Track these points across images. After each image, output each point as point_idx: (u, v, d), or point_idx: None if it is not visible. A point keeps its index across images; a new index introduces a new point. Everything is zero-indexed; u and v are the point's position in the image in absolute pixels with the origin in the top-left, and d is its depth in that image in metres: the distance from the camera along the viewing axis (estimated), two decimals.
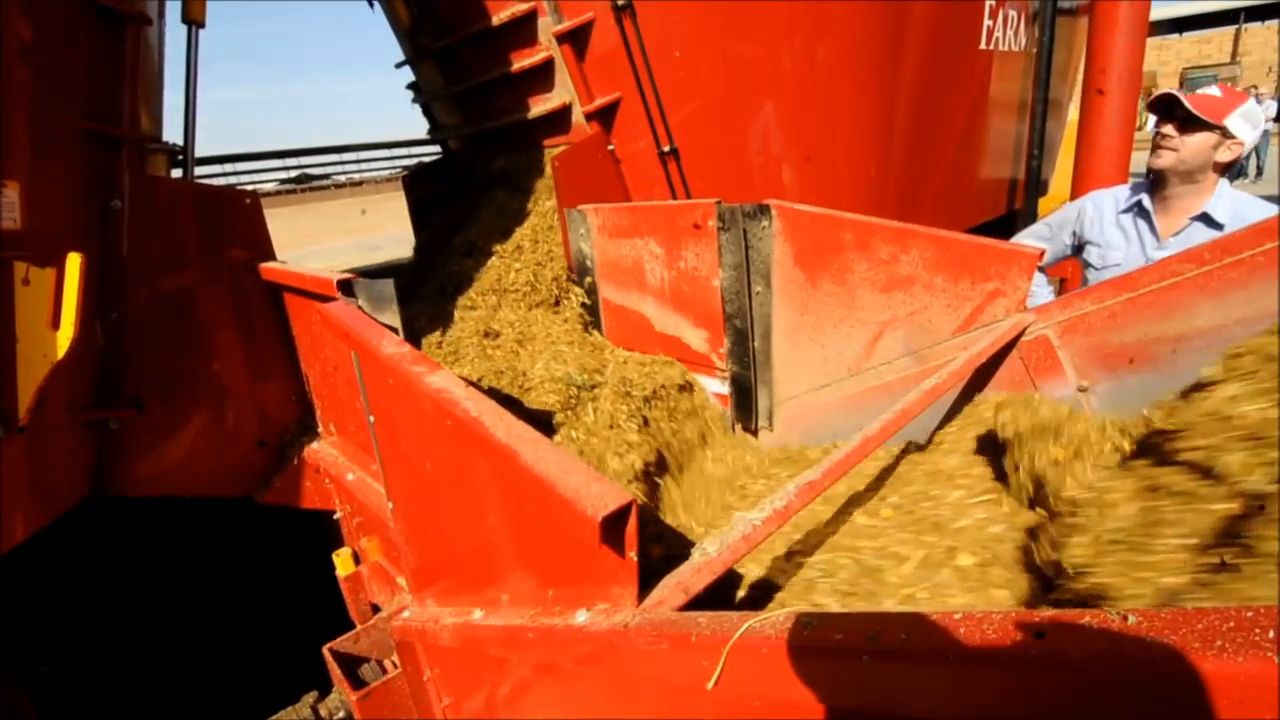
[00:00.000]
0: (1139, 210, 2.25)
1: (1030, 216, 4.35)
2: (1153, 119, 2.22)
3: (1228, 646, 0.40)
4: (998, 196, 4.34)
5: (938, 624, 0.55)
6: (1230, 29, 25.06)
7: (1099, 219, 2.34)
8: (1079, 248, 2.42)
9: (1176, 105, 2.06)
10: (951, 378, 1.54)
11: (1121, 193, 2.34)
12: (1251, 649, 0.39)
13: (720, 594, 1.48)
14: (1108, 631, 0.45)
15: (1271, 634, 0.40)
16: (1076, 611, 0.48)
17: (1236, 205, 2.10)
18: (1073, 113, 4.76)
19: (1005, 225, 4.32)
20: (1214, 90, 2.11)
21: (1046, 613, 0.50)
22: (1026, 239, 2.51)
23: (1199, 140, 2.05)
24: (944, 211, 3.67)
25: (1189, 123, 2.05)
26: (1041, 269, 2.48)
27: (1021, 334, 1.69)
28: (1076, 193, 4.18)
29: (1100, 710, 0.45)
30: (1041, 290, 2.48)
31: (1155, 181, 2.20)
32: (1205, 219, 2.12)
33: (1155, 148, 2.15)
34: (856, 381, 2.04)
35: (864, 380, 2.03)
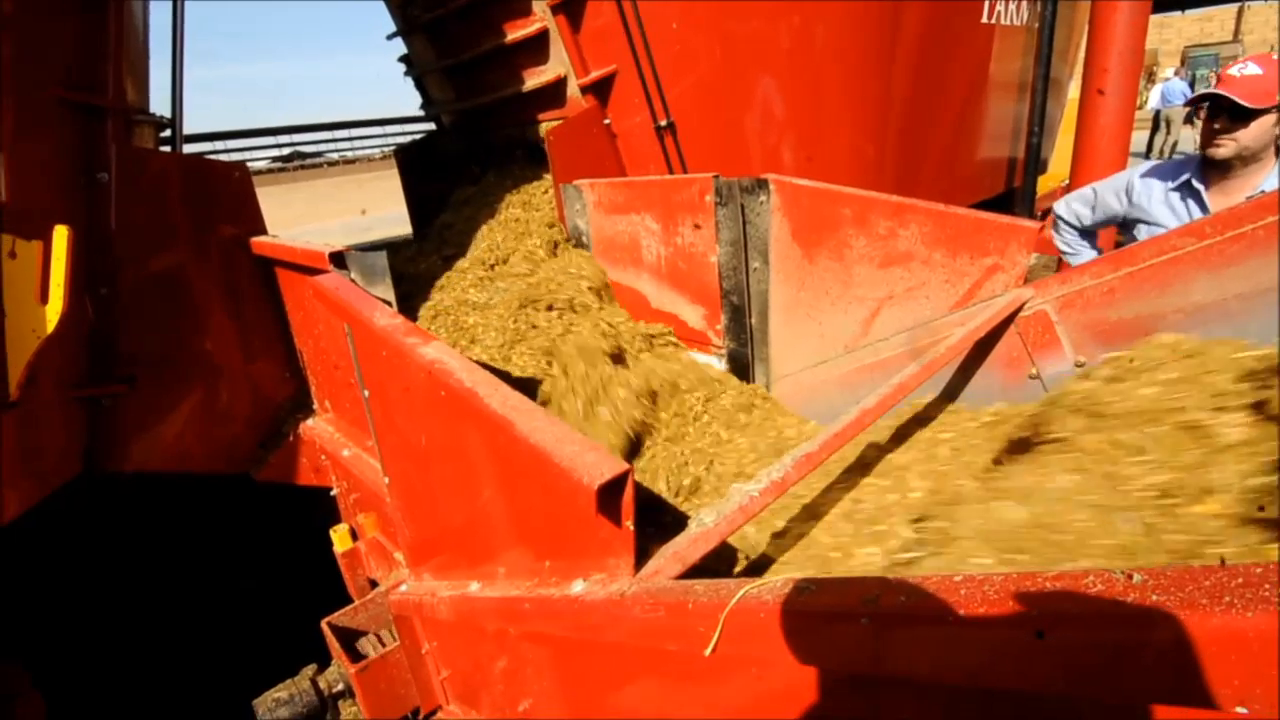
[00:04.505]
0: (1187, 190, 2.18)
1: (1029, 195, 4.32)
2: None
3: (1236, 602, 0.40)
4: (996, 174, 4.31)
5: (937, 587, 0.55)
6: (1233, 7, 24.79)
7: (1147, 194, 2.27)
8: (1127, 222, 2.36)
9: (1224, 101, 1.98)
10: (949, 353, 1.54)
11: (1169, 169, 2.26)
12: (1261, 604, 0.39)
13: (717, 567, 1.48)
14: (1112, 591, 0.45)
15: None
16: (1080, 571, 0.48)
17: None
18: (1073, 91, 4.70)
19: (1004, 203, 4.29)
20: (1253, 68, 1.99)
21: (1049, 573, 0.49)
22: (1075, 203, 2.48)
23: (1258, 124, 1.98)
24: (942, 188, 3.63)
25: (1241, 114, 1.97)
26: (1089, 231, 2.48)
27: (1020, 309, 1.68)
28: (1076, 173, 4.15)
29: (1104, 669, 0.45)
30: (1087, 253, 2.46)
31: (1211, 163, 2.11)
32: None
33: (1210, 142, 2.06)
34: (853, 358, 2.03)
35: (861, 357, 2.02)
